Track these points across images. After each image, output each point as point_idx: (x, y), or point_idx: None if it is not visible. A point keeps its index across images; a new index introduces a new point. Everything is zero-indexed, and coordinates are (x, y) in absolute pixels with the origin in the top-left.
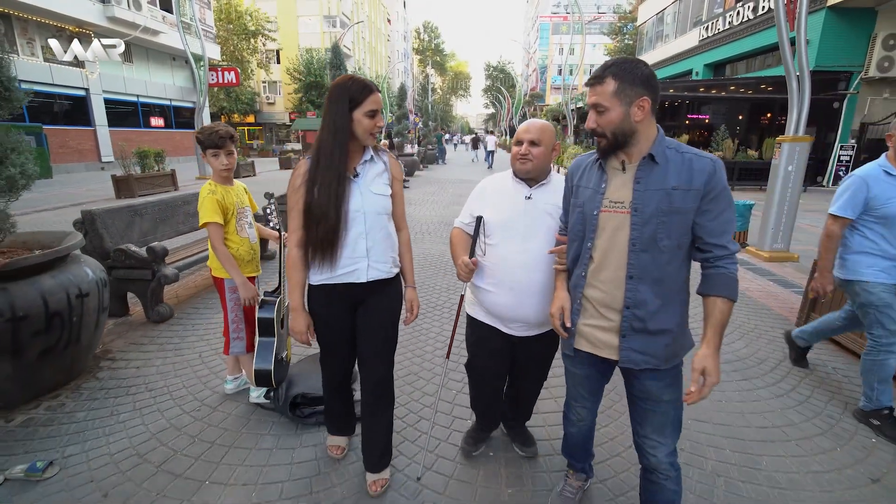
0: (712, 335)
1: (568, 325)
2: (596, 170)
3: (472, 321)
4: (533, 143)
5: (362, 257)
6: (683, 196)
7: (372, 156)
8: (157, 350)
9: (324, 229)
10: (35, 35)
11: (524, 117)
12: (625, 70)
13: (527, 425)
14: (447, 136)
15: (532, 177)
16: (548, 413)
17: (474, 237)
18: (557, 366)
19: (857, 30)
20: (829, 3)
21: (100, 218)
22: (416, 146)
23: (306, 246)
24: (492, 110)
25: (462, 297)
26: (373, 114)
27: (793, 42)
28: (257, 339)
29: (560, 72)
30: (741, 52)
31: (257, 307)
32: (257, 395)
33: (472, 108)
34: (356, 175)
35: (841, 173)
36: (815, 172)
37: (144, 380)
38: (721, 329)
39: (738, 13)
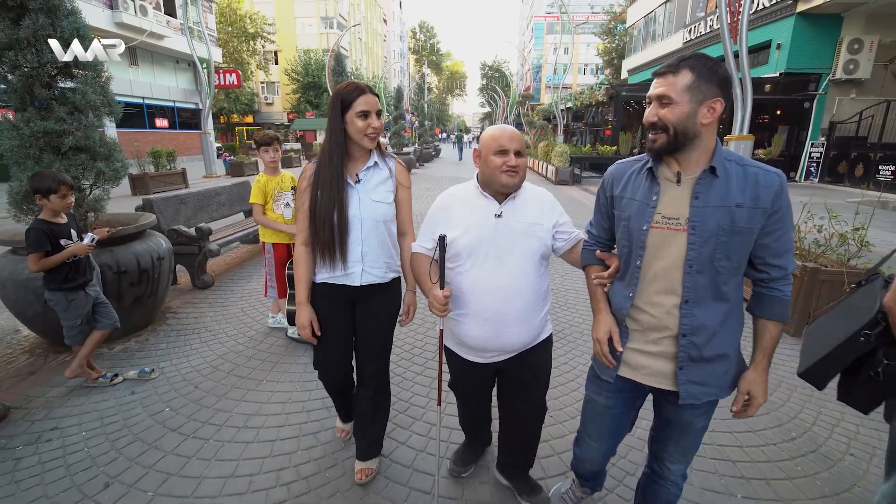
0: (762, 358)
1: (620, 349)
2: (645, 179)
3: (446, 350)
4: (518, 154)
5: (357, 262)
6: (749, 215)
7: (376, 161)
8: (208, 307)
9: (327, 233)
10: None
11: (518, 117)
12: (703, 65)
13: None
14: (446, 135)
15: (514, 192)
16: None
17: (441, 262)
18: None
19: (824, 34)
20: (798, 10)
21: (156, 204)
22: (413, 145)
23: (313, 246)
24: (487, 109)
25: (441, 331)
26: (364, 114)
27: (736, 54)
28: (289, 291)
29: (555, 71)
30: (721, 54)
31: (286, 267)
32: (292, 331)
33: (468, 107)
34: (358, 181)
35: (812, 169)
36: (789, 168)
37: (204, 324)
38: (771, 353)
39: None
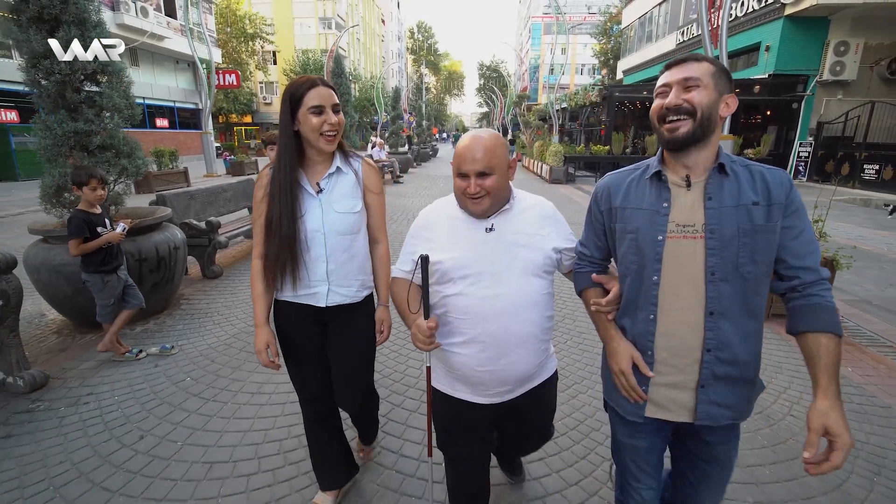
0: (827, 382)
1: (649, 374)
2: (651, 186)
3: (436, 394)
4: (483, 175)
5: (322, 281)
6: (767, 213)
7: (339, 167)
8: (218, 294)
9: (276, 248)
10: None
11: (515, 117)
12: (719, 62)
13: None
14: (445, 135)
15: (492, 213)
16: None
17: (424, 287)
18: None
19: (812, 37)
20: (786, 13)
21: (169, 199)
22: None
23: (262, 260)
24: (485, 109)
25: (429, 369)
26: (318, 110)
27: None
28: None
29: (552, 71)
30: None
31: None
32: None
33: (466, 106)
34: (320, 190)
35: (801, 168)
36: (778, 167)
37: (216, 309)
38: (836, 372)
39: (709, 20)
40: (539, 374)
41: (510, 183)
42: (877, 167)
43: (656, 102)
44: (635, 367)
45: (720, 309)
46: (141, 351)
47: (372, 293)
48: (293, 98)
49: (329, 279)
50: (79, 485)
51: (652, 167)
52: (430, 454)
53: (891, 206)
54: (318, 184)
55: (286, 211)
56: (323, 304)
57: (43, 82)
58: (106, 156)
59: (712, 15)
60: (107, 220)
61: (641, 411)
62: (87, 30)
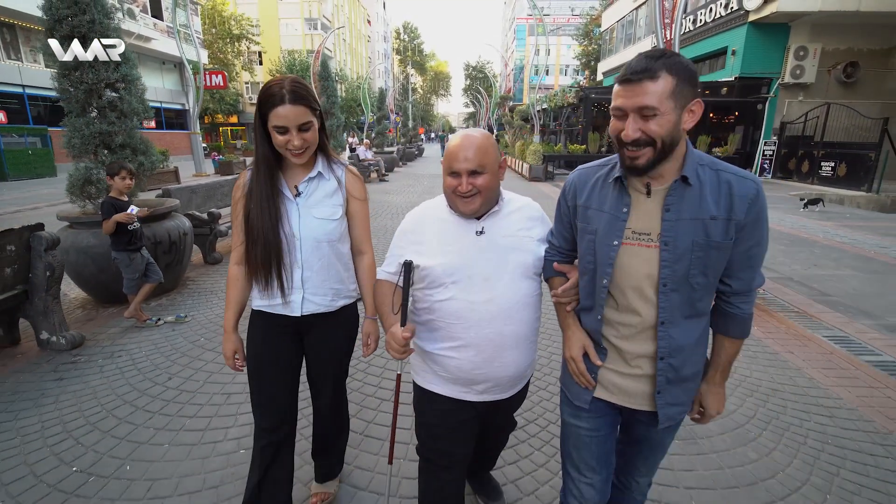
0: (714, 373)
1: (598, 363)
2: (613, 189)
3: (423, 394)
4: (474, 173)
5: (297, 288)
6: (724, 228)
7: (320, 171)
8: (220, 277)
9: (262, 253)
10: (37, 44)
11: (499, 118)
12: (680, 65)
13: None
14: (433, 134)
15: (482, 213)
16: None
17: (405, 293)
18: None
19: (774, 42)
20: (750, 19)
21: (174, 193)
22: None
23: (246, 266)
24: (472, 109)
25: (398, 376)
26: (282, 130)
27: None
28: None
29: (537, 72)
30: (691, 56)
31: None
32: None
33: (452, 106)
34: (298, 194)
35: (766, 166)
36: (745, 165)
37: (220, 287)
38: (726, 369)
39: (682, 24)
40: (528, 373)
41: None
42: (833, 164)
43: (614, 123)
44: (587, 354)
45: (670, 318)
46: (159, 319)
47: (351, 304)
48: (261, 108)
49: (304, 287)
50: (124, 409)
51: (616, 170)
52: (390, 462)
53: (805, 200)
54: (296, 187)
55: (267, 217)
56: (297, 314)
57: (71, 90)
58: (125, 153)
59: (666, 29)
60: (132, 207)
61: (588, 397)
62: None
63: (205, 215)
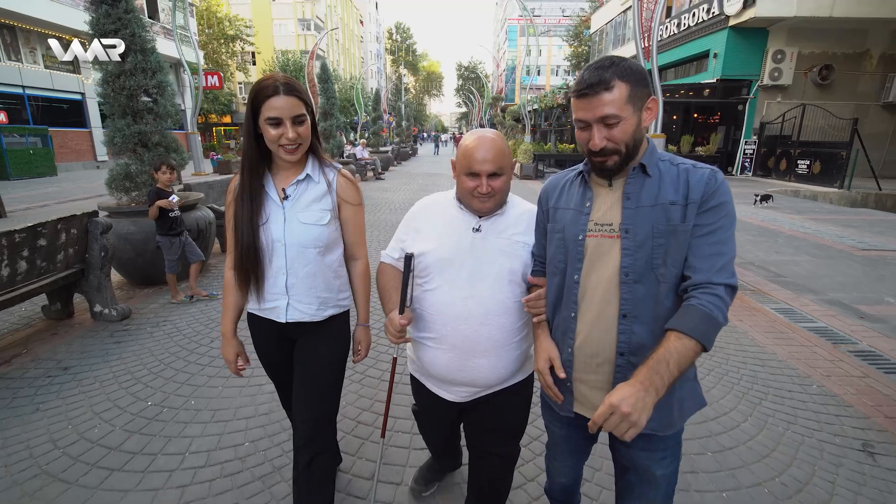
0: (642, 368)
1: (562, 375)
2: (578, 186)
3: (413, 381)
4: (494, 175)
5: (281, 294)
6: (683, 212)
7: (309, 174)
8: None
9: (243, 256)
10: (37, 45)
11: (491, 118)
12: (629, 69)
13: None
14: (425, 134)
15: (495, 211)
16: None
17: (404, 282)
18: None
19: (753, 45)
20: (730, 24)
21: (193, 188)
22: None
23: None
24: (464, 109)
25: (395, 360)
26: (275, 122)
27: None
28: None
29: (528, 72)
30: (669, 61)
31: None
32: None
33: (445, 107)
34: (285, 197)
35: (746, 164)
36: (726, 164)
37: None
38: (659, 366)
39: (667, 27)
40: (507, 380)
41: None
42: (808, 162)
43: (579, 134)
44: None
45: (634, 311)
46: (192, 297)
47: (340, 314)
48: (254, 102)
49: (288, 293)
50: (179, 363)
51: (580, 167)
52: (382, 435)
53: (758, 196)
54: (283, 190)
55: (247, 218)
56: (283, 320)
57: (113, 95)
58: (159, 150)
59: (644, 37)
60: (172, 196)
61: (570, 408)
62: (147, 55)
63: (221, 208)
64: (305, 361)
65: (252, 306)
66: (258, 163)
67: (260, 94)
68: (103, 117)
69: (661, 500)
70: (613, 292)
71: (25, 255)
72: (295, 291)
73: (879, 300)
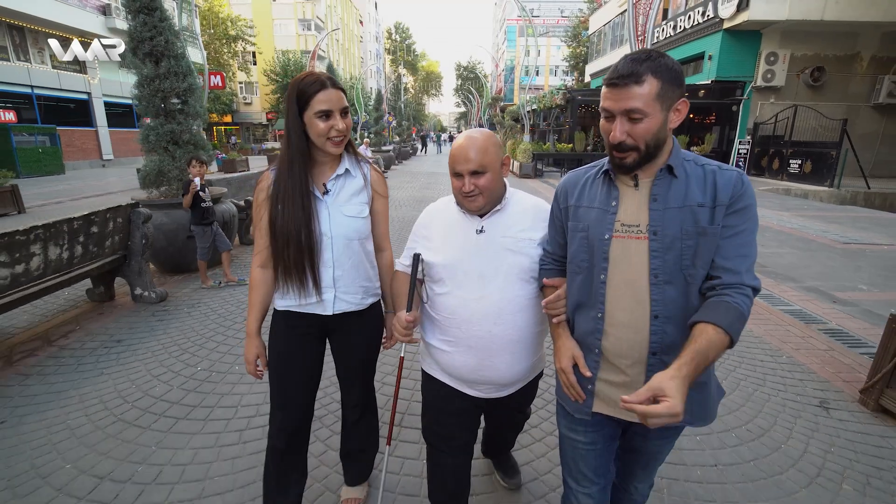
0: (686, 359)
1: (588, 374)
2: (602, 184)
3: (428, 378)
4: (476, 174)
5: (329, 287)
6: (711, 214)
7: (347, 168)
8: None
9: (295, 254)
10: (45, 45)
11: (490, 118)
12: (664, 67)
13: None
14: (427, 134)
15: (487, 210)
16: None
17: (412, 282)
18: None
19: (747, 47)
20: (725, 27)
21: (215, 183)
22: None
23: (275, 268)
24: (463, 109)
25: (402, 359)
26: (325, 115)
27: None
28: None
29: (527, 72)
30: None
31: None
32: None
33: (444, 106)
34: (326, 192)
35: (741, 164)
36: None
37: None
38: (699, 358)
39: (663, 29)
40: (527, 376)
41: (506, 182)
42: (800, 162)
43: (603, 123)
44: (577, 365)
45: (665, 312)
46: (221, 282)
47: (377, 302)
48: (300, 99)
49: (336, 285)
50: (218, 337)
51: (604, 165)
52: (388, 443)
53: None
54: (324, 185)
55: (300, 216)
56: (329, 312)
57: (148, 97)
58: (189, 147)
59: (639, 41)
60: (206, 189)
61: (588, 409)
62: (178, 60)
63: (241, 202)
64: (351, 349)
65: (287, 303)
66: (308, 157)
67: (307, 89)
68: (109, 117)
69: (659, 463)
70: (644, 294)
71: (81, 240)
72: (341, 283)
73: (853, 287)
